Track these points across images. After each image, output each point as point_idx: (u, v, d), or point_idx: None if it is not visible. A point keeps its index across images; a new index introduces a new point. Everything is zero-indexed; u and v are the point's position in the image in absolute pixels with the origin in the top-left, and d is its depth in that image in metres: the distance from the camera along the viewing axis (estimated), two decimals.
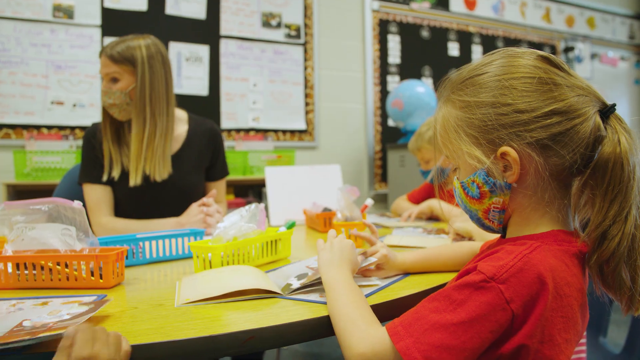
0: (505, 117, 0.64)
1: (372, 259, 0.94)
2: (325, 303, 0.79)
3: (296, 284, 0.89)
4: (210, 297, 0.82)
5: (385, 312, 0.79)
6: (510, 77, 0.65)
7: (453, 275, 0.74)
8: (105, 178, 1.57)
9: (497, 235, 0.76)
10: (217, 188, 1.79)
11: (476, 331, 0.56)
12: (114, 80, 1.54)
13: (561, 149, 0.63)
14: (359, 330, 0.64)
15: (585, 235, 0.64)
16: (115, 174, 1.57)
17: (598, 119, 0.63)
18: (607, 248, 0.61)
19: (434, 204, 1.81)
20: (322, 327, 0.73)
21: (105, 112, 1.59)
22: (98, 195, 1.57)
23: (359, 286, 0.83)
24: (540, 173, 0.64)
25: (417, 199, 2.05)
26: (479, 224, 0.74)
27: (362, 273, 0.95)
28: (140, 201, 1.61)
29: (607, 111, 0.64)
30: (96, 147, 1.59)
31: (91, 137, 1.60)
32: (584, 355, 1.31)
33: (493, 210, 0.69)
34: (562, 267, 0.61)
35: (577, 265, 0.63)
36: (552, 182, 0.65)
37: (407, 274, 0.98)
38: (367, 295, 0.83)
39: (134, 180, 1.56)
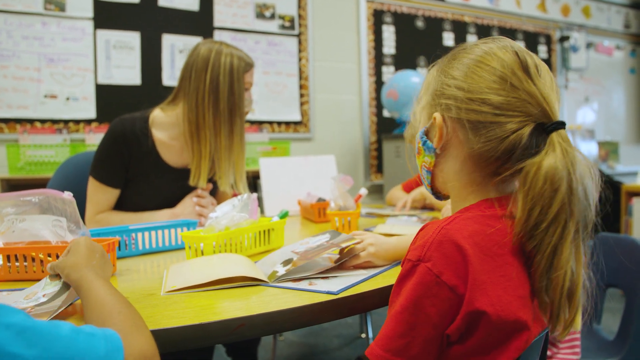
0: (448, 89, 0.70)
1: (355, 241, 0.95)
2: (315, 291, 0.80)
3: (282, 270, 0.89)
4: (196, 284, 0.82)
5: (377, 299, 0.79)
6: (479, 61, 0.68)
7: None
8: (119, 184, 1.54)
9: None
10: (225, 198, 1.77)
11: (419, 310, 0.60)
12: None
13: (475, 135, 0.66)
14: None
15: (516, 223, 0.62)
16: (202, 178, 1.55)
17: (528, 128, 0.63)
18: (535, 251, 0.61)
19: (424, 190, 1.81)
20: (312, 315, 0.74)
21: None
22: (105, 195, 1.52)
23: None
24: (459, 148, 0.69)
25: (412, 189, 2.04)
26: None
27: (352, 267, 0.95)
28: (175, 198, 1.58)
29: (549, 126, 0.63)
30: (124, 155, 1.50)
31: (121, 141, 1.50)
32: (577, 342, 1.32)
33: (423, 168, 0.76)
34: (489, 229, 0.63)
35: (510, 226, 0.63)
36: (472, 162, 0.69)
37: (397, 262, 0.98)
38: (358, 283, 0.83)
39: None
